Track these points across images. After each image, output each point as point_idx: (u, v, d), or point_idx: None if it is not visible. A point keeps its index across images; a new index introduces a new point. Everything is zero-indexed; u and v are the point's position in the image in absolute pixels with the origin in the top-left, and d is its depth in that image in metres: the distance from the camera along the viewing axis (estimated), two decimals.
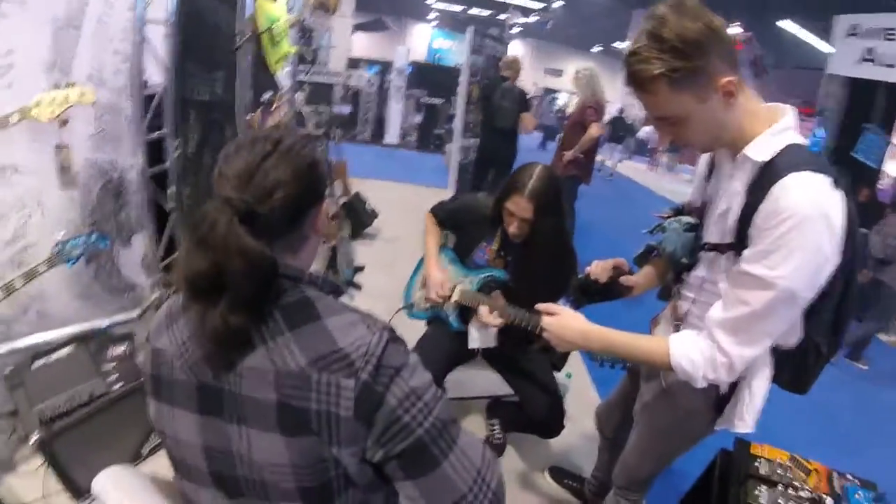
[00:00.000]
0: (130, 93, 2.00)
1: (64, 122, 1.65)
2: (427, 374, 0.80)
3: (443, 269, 2.04)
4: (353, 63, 12.81)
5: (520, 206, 1.76)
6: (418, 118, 11.30)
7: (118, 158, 2.08)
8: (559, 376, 2.11)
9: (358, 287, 3.97)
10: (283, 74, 3.22)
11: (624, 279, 1.44)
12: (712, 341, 1.06)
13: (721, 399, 1.21)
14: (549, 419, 1.91)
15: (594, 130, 4.36)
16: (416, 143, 11.08)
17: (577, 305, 1.40)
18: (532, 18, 16.70)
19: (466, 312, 1.98)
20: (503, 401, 2.34)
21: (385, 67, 11.77)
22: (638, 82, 0.99)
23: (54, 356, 1.84)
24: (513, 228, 1.82)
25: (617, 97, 15.94)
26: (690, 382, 1.10)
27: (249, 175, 0.76)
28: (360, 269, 4.23)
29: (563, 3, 16.03)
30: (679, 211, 1.38)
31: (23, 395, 1.74)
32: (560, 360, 2.06)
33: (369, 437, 0.74)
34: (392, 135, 11.01)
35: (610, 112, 10.94)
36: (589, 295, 1.46)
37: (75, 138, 1.90)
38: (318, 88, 10.25)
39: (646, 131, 16.92)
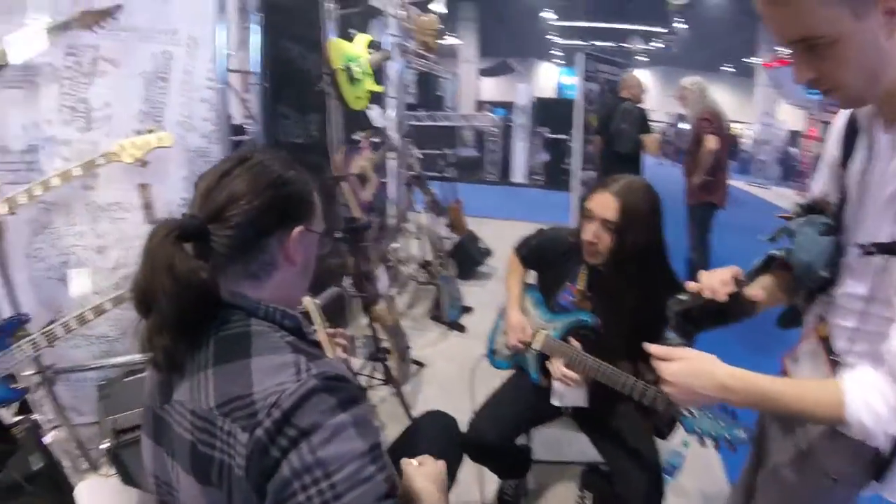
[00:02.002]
0: (219, 137, 2.10)
1: (144, 164, 1.75)
2: (358, 443, 0.59)
3: (527, 312, 1.79)
4: (480, 106, 13.17)
5: (602, 204, 1.46)
6: (545, 156, 11.10)
7: None
8: (672, 445, 1.70)
9: (462, 328, 3.81)
10: (377, 114, 3.25)
11: (747, 293, 1.05)
12: None
13: (880, 460, 0.92)
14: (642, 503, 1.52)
15: (711, 143, 3.81)
16: (545, 181, 10.83)
17: (685, 340, 1.06)
18: (655, 45, 15.83)
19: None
20: (602, 470, 1.96)
21: (511, 108, 11.85)
22: None
23: (143, 374, 1.92)
24: (588, 235, 1.49)
25: (755, 117, 14.54)
26: (867, 441, 0.82)
27: (208, 192, 0.72)
28: (467, 309, 4.07)
29: (685, 25, 14.94)
30: (808, 209, 1.02)
31: (103, 406, 1.82)
32: (668, 426, 1.66)
33: None
34: (518, 174, 10.93)
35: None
36: (697, 321, 1.06)
37: (169, 180, 2.02)
38: (441, 131, 10.64)
39: (765, 151, 15.05)
